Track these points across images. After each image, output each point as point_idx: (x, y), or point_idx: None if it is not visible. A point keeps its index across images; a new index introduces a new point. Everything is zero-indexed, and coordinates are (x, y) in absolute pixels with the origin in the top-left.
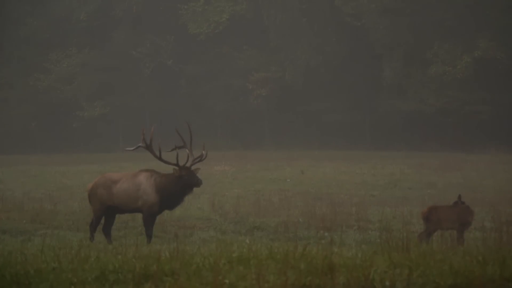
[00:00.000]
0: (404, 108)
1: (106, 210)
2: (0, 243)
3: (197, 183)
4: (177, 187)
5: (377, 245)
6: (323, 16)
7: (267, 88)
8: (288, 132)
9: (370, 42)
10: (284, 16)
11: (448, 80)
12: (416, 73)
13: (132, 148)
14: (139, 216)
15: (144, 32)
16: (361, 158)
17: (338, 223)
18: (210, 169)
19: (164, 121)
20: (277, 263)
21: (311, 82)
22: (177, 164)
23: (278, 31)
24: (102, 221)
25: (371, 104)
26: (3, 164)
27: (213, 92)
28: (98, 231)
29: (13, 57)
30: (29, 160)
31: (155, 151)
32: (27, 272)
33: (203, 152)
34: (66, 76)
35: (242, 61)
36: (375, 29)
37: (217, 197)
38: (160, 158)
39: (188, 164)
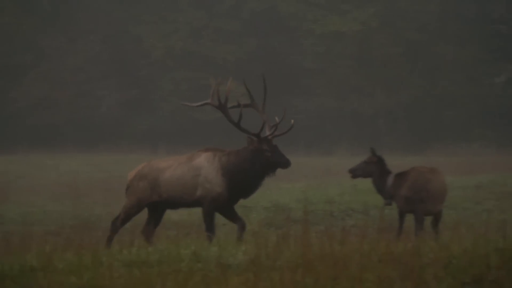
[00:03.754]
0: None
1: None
2: None
3: (285, 162)
4: (254, 165)
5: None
6: None
7: None
8: None
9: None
10: None
11: None
12: None
13: (196, 104)
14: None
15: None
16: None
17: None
18: None
19: None
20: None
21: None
22: (256, 134)
23: None
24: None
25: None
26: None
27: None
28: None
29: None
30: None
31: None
32: None
33: (292, 121)
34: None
35: None
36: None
37: None
38: (237, 125)
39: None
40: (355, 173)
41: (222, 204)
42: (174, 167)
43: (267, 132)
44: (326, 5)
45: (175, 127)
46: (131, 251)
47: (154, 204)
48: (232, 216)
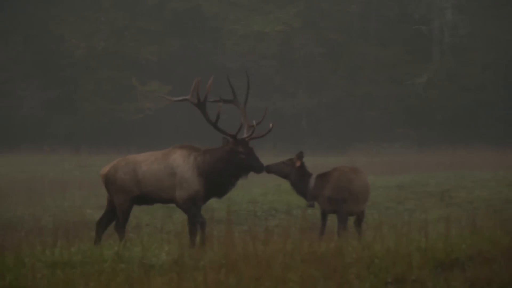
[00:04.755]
0: None
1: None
2: None
3: (259, 167)
4: (228, 166)
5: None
6: None
7: None
8: None
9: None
10: None
11: None
12: None
13: (175, 99)
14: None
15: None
16: None
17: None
18: None
19: None
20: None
21: None
22: (233, 136)
23: None
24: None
25: None
26: None
27: None
28: None
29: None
30: None
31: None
32: None
33: (270, 125)
34: None
35: None
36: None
37: None
38: (214, 125)
39: (244, 135)
40: (269, 169)
41: (199, 201)
42: (150, 161)
43: (245, 134)
44: (249, 6)
45: (97, 127)
46: (54, 251)
47: (135, 198)
48: None
